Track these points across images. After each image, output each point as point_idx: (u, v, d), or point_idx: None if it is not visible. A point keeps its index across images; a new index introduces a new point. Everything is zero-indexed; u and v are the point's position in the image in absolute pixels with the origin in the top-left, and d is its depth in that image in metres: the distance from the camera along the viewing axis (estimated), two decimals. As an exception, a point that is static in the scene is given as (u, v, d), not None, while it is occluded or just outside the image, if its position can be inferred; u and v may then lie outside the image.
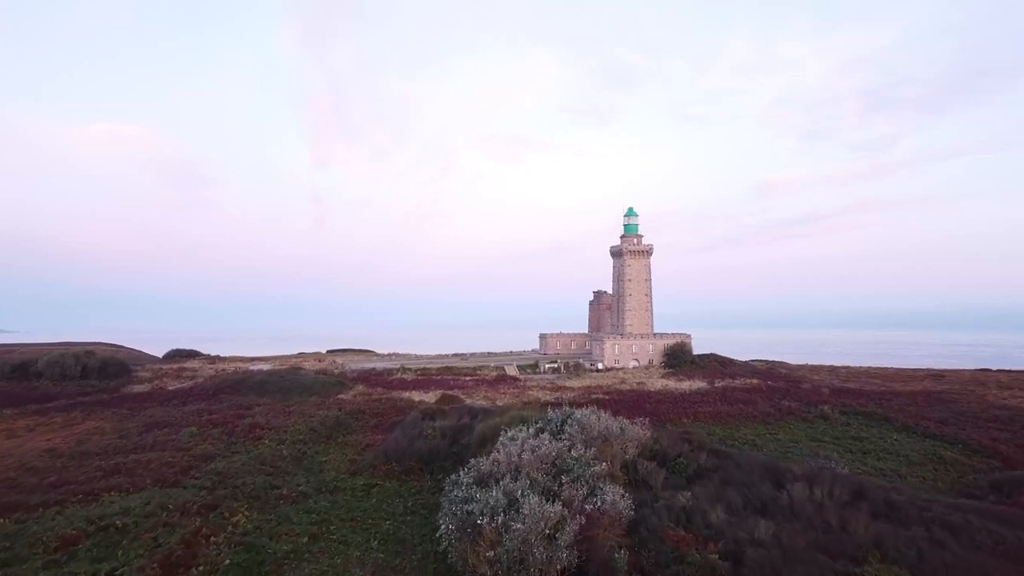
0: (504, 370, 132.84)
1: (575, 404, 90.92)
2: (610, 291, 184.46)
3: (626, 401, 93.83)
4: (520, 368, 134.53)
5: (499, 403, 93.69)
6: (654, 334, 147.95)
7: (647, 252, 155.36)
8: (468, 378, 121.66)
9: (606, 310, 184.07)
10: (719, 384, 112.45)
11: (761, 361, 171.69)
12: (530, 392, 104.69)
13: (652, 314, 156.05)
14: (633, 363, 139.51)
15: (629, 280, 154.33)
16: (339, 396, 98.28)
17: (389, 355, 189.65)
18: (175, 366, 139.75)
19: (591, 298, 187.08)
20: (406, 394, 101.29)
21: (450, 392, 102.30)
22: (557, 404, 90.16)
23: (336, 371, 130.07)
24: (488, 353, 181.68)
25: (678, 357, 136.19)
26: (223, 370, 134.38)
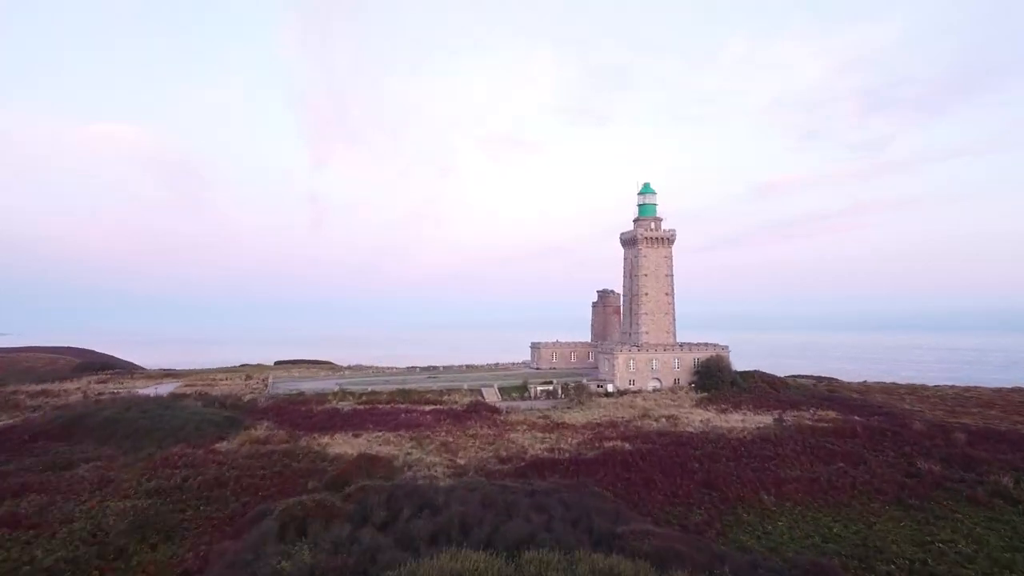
0: (481, 394, 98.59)
1: (580, 463, 56.82)
2: (618, 290, 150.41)
3: (659, 454, 59.75)
4: (503, 391, 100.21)
5: (461, 459, 59.61)
6: (679, 345, 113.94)
7: (668, 239, 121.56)
8: (429, 408, 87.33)
9: (614, 314, 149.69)
10: (787, 420, 78.18)
11: (806, 378, 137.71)
12: (512, 435, 70.42)
13: (675, 319, 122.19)
14: (653, 384, 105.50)
15: (645, 275, 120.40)
16: (218, 445, 63.97)
17: (348, 369, 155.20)
18: (38, 388, 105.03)
19: (594, 299, 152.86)
20: (325, 439, 67.06)
21: (379, 449, 67.88)
22: (553, 463, 55.65)
23: (249, 396, 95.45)
24: (467, 366, 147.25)
25: (714, 377, 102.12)
26: (102, 394, 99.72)
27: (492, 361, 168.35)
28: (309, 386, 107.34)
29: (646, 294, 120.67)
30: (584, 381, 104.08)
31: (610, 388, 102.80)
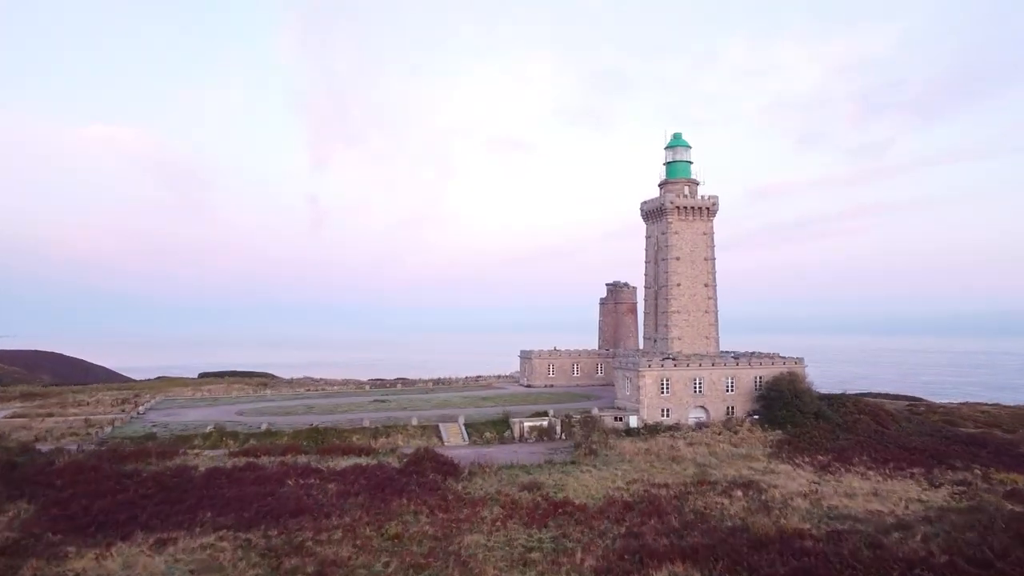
0: (439, 433, 64.53)
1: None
2: (635, 282, 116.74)
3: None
4: (473, 428, 66.14)
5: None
6: (733, 357, 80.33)
7: (708, 209, 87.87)
8: (347, 464, 53.39)
9: (627, 313, 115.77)
10: (957, 486, 44.43)
11: (883, 397, 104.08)
12: (469, 538, 36.44)
13: (718, 319, 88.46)
14: (696, 415, 71.64)
15: (676, 259, 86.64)
16: None
17: (288, 384, 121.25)
18: None
19: (602, 295, 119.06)
20: (89, 557, 33.20)
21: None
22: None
23: (74, 436, 61.50)
24: (436, 381, 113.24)
25: (788, 405, 68.16)
26: None
27: (473, 373, 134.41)
28: (194, 417, 73.38)
29: (678, 285, 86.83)
30: (595, 412, 70.05)
31: (634, 422, 68.89)
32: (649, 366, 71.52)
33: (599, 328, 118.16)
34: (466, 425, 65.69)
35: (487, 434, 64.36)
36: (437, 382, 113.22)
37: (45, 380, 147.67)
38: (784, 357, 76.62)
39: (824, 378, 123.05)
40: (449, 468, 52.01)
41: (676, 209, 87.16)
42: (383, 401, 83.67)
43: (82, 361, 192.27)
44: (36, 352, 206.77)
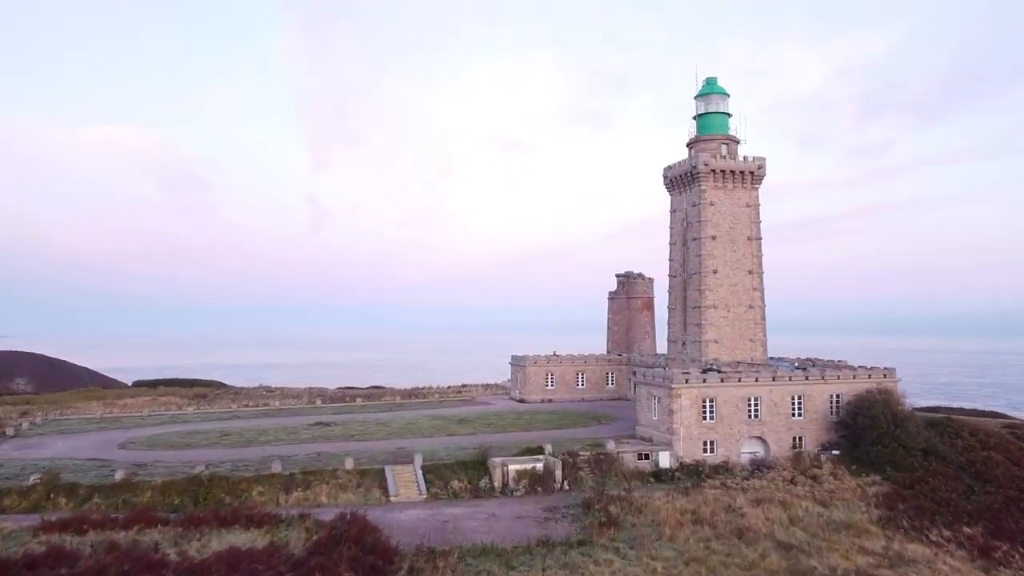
0: (385, 481, 44.24)
1: None
2: (651, 273, 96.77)
3: None
4: (433, 473, 45.69)
5: None
6: (791, 366, 60.07)
7: (752, 174, 67.67)
8: (218, 545, 33.14)
9: (643, 309, 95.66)
10: None
11: (960, 413, 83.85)
12: None
13: (765, 316, 68.39)
14: (750, 449, 51.48)
15: (712, 237, 66.51)
16: None
17: (239, 392, 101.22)
18: None
19: (612, 288, 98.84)
20: None
21: None
22: None
23: None
24: (412, 392, 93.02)
25: (887, 438, 47.81)
26: None
27: (458, 381, 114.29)
28: (57, 450, 53.32)
29: (714, 272, 66.67)
30: (611, 447, 49.78)
31: (665, 460, 48.73)
32: (686, 381, 51.27)
33: (608, 328, 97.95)
34: (426, 469, 45.40)
35: (455, 483, 44.12)
36: (412, 392, 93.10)
37: (18, 385, 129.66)
38: (869, 368, 56.37)
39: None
40: (380, 557, 31.87)
41: (711, 174, 66.98)
42: (327, 425, 63.43)
43: (64, 363, 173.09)
44: (14, 353, 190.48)
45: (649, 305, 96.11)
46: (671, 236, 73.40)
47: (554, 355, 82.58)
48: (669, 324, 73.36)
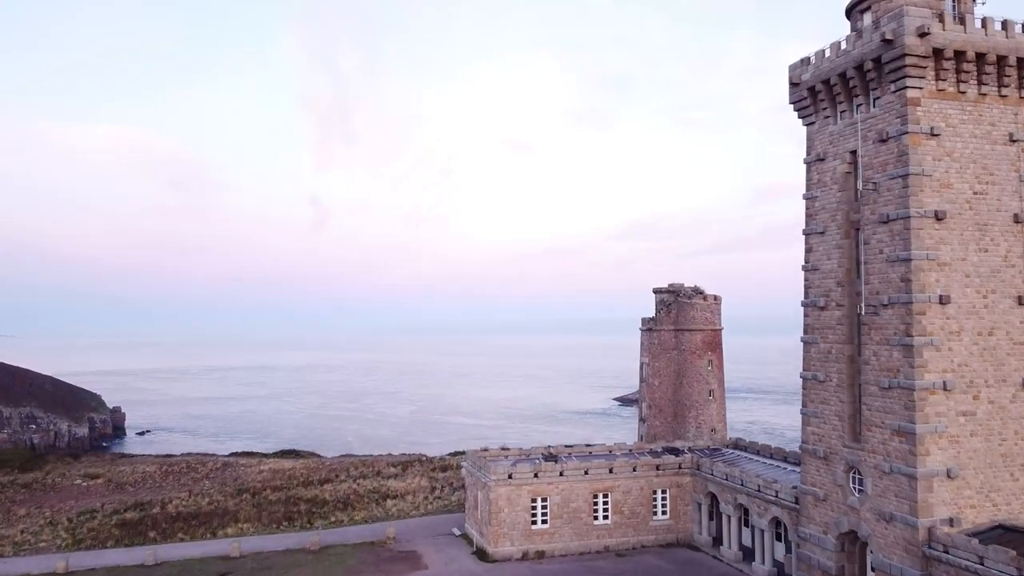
0: None
1: None
2: (710, 289, 56.96)
3: None
4: None
5: None
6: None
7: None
8: None
9: (704, 351, 55.60)
10: None
11: None
12: None
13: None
14: None
15: (934, 213, 27.45)
16: None
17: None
18: None
19: (648, 315, 58.72)
20: None
21: None
22: None
23: None
24: (324, 481, 52.82)
25: None
26: None
27: (400, 449, 74.54)
28: None
29: (940, 301, 26.66)
30: None
31: None
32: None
33: (643, 381, 58.08)
34: None
35: None
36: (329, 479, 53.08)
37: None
38: None
39: None
40: None
41: (931, 59, 27.16)
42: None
43: (25, 371, 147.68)
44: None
45: (713, 344, 56.26)
46: (808, 209, 33.28)
47: (548, 455, 42.44)
48: (809, 415, 33.08)
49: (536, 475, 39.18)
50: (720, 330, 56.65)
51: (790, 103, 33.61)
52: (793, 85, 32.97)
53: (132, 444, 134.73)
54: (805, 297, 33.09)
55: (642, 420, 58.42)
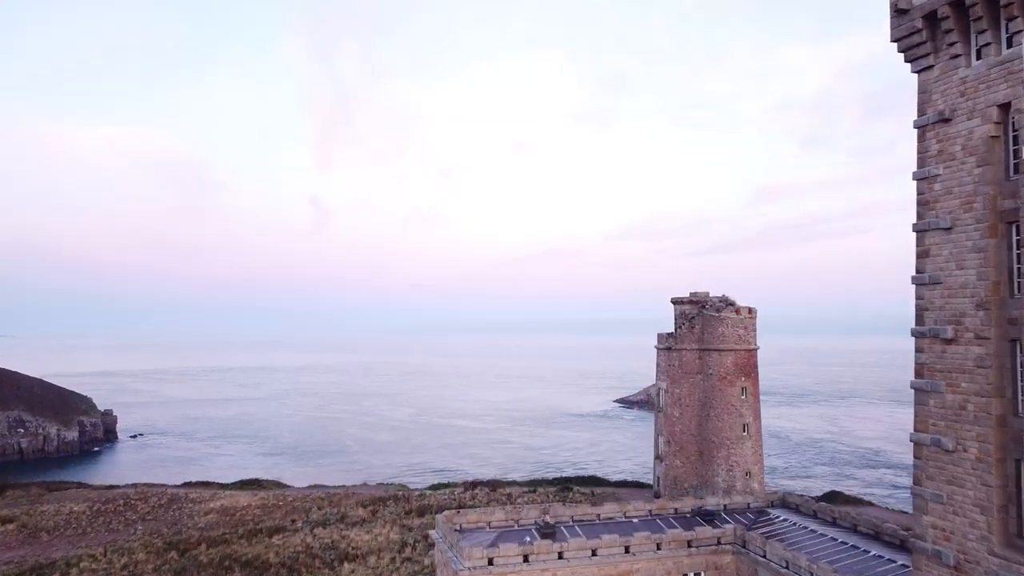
0: None
1: None
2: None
3: None
4: None
5: None
6: None
7: None
8: None
9: (735, 377, 45.38)
10: None
11: None
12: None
13: None
14: None
15: None
16: None
17: None
18: None
19: (666, 330, 48.41)
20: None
21: None
22: None
23: None
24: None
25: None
26: None
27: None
28: None
29: None
30: None
31: None
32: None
33: (661, 412, 47.84)
34: None
35: None
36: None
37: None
38: None
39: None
40: None
41: None
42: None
43: (12, 373, 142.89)
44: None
45: (747, 368, 45.94)
46: (924, 205, 22.54)
47: (544, 523, 31.91)
48: (928, 499, 22.44)
49: (526, 559, 28.79)
50: (755, 350, 46.37)
51: (892, 40, 23.13)
52: (900, 12, 22.51)
53: (124, 448, 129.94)
54: (918, 323, 22.59)
55: (658, 458, 48.18)
